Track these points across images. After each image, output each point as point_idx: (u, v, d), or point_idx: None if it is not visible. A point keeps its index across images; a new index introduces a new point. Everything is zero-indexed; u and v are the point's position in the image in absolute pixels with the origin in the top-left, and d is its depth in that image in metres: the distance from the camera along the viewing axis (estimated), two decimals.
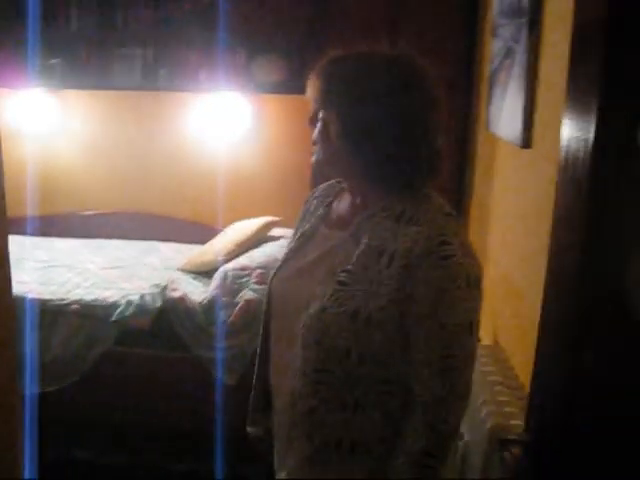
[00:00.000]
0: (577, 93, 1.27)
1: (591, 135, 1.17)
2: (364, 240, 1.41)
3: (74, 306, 3.54)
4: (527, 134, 2.44)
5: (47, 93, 4.52)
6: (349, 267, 1.39)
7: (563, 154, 1.33)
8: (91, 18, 4.15)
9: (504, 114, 2.75)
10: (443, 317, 1.31)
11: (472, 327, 1.34)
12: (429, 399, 1.35)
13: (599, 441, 1.35)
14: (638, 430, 1.29)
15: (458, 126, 3.71)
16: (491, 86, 3.04)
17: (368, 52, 1.44)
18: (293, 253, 1.60)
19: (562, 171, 1.33)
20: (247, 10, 3.83)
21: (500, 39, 2.88)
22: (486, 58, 3.30)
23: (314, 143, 1.48)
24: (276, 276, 1.61)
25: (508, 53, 2.71)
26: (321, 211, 1.61)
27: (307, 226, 1.61)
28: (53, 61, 4.16)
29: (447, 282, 1.30)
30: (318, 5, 3.75)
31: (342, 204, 1.57)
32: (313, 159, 1.50)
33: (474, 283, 1.33)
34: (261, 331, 1.68)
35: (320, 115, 1.45)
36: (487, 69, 3.19)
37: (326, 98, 1.43)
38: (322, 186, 1.70)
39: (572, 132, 1.29)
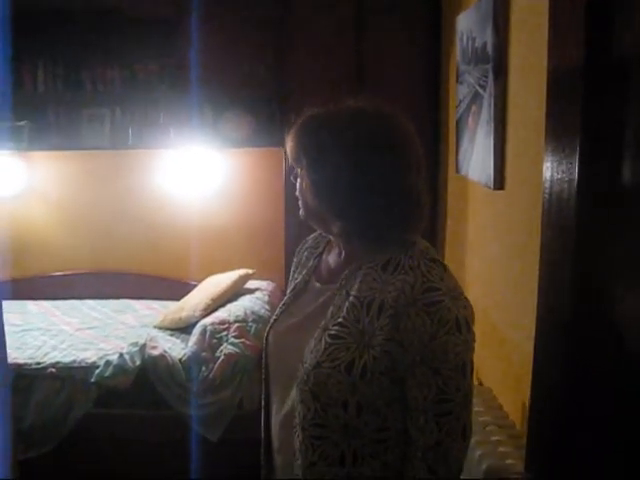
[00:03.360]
0: (556, 136, 1.31)
1: (575, 177, 1.21)
2: (353, 292, 1.42)
3: (51, 369, 3.47)
4: (499, 176, 2.50)
5: (15, 155, 4.50)
6: (340, 320, 1.40)
7: (546, 196, 1.36)
8: (58, 79, 4.16)
9: (475, 157, 2.81)
10: (435, 362, 1.32)
11: (465, 369, 1.35)
12: (427, 444, 1.35)
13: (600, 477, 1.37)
14: (636, 461, 1.31)
15: (427, 170, 3.77)
16: (459, 131, 3.12)
17: (335, 108, 1.46)
18: (287, 307, 1.60)
19: (546, 213, 1.37)
20: (213, 67, 3.89)
21: (465, 85, 2.96)
22: (452, 104, 3.39)
23: (297, 198, 1.51)
24: (272, 330, 1.61)
25: (474, 98, 2.79)
26: (311, 263, 1.62)
27: (299, 279, 1.62)
28: (21, 123, 4.16)
29: (436, 328, 1.30)
30: (283, 59, 3.83)
31: (331, 256, 1.58)
32: (299, 213, 1.52)
33: (464, 326, 1.33)
34: (263, 388, 1.68)
35: (298, 172, 1.49)
36: (453, 114, 3.27)
37: (297, 157, 1.46)
38: (312, 236, 1.71)
39: (553, 174, 1.33)
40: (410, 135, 1.45)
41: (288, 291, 1.66)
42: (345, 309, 1.41)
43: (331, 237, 1.57)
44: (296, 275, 1.67)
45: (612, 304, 1.22)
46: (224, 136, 4.12)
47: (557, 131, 1.31)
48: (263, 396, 1.67)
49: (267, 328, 1.64)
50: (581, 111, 1.19)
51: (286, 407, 1.50)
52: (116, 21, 4.01)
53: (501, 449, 1.97)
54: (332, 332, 1.40)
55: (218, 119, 4.14)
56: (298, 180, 1.49)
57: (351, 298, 1.41)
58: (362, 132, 1.39)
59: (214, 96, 4.05)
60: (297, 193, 1.50)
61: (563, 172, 1.28)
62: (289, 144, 1.48)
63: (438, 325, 1.30)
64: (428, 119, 3.79)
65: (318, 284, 1.56)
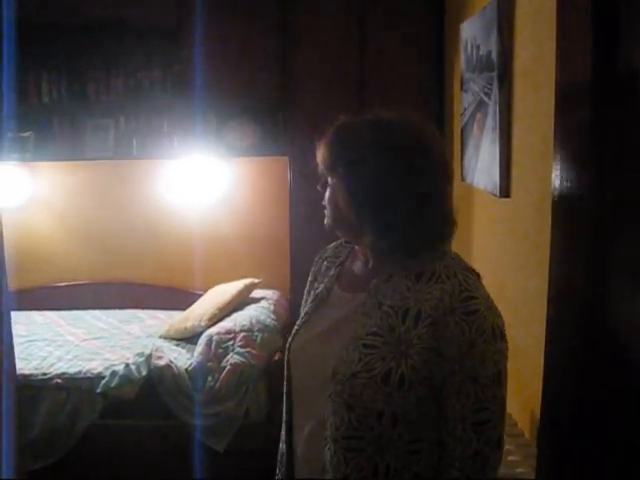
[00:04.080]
0: (566, 144, 1.31)
1: (584, 185, 1.21)
2: (386, 302, 1.41)
3: (57, 380, 3.47)
4: (505, 184, 2.50)
5: (20, 166, 4.51)
6: (374, 329, 1.39)
7: (555, 205, 1.36)
8: (62, 90, 4.17)
9: (480, 165, 2.81)
10: (473, 371, 1.32)
11: (501, 378, 1.35)
12: (465, 453, 1.34)
13: None
14: None
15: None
16: (463, 139, 3.12)
17: (373, 118, 1.44)
18: (309, 317, 1.58)
19: (555, 222, 1.37)
20: (216, 76, 3.89)
21: (470, 93, 2.96)
22: (456, 112, 3.39)
23: (324, 207, 1.51)
24: (294, 342, 1.58)
25: (479, 106, 2.79)
26: (333, 272, 1.61)
27: (320, 288, 1.60)
28: (25, 134, 4.17)
29: (474, 336, 1.31)
30: (286, 68, 3.83)
31: (356, 265, 1.57)
32: (325, 222, 1.52)
33: (500, 335, 1.34)
34: (285, 401, 1.63)
35: (329, 181, 1.48)
36: (458, 122, 3.27)
37: (332, 165, 1.45)
38: (331, 246, 1.71)
39: (563, 182, 1.33)
40: (441, 144, 1.46)
41: (308, 300, 1.64)
42: (379, 318, 1.40)
43: (357, 246, 1.56)
44: (316, 284, 1.65)
45: (624, 313, 1.22)
46: (228, 145, 4.12)
47: (566, 140, 1.31)
48: (285, 409, 1.62)
49: (289, 339, 1.61)
50: (590, 120, 1.18)
51: (312, 420, 1.48)
52: (119, 31, 4.03)
53: (511, 458, 1.96)
54: (366, 342, 1.39)
55: (222, 128, 4.14)
56: (328, 189, 1.49)
57: (385, 307, 1.40)
58: (400, 141, 1.39)
59: (218, 105, 4.05)
60: (325, 202, 1.50)
61: (572, 180, 1.27)
62: (322, 152, 1.47)
63: (476, 334, 1.31)
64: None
65: (343, 292, 1.55)
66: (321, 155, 1.46)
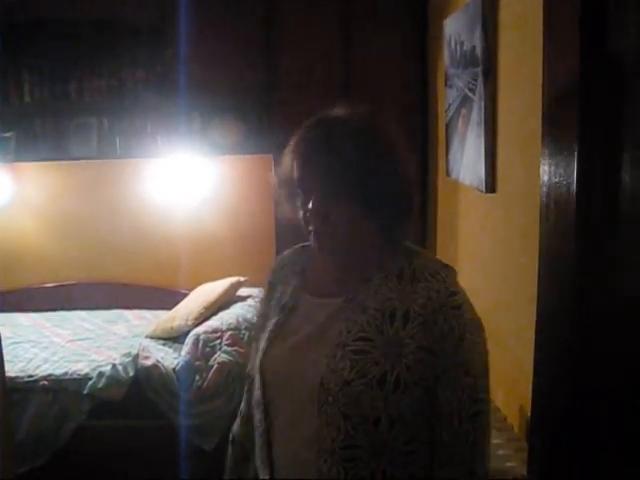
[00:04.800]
0: (554, 139, 1.32)
1: (573, 180, 1.21)
2: (370, 305, 1.38)
3: (43, 382, 3.45)
4: (490, 179, 2.51)
5: (2, 167, 4.47)
6: (361, 334, 1.36)
7: (544, 199, 1.37)
8: (44, 90, 4.14)
9: (465, 161, 2.82)
10: (466, 364, 1.33)
11: (487, 368, 1.38)
12: (464, 446, 1.35)
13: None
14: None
15: (416, 173, 3.79)
16: (448, 134, 3.12)
17: (343, 114, 1.41)
18: (279, 328, 1.50)
19: (544, 217, 1.37)
20: (200, 75, 3.87)
21: (454, 89, 2.97)
22: (440, 107, 3.40)
23: (309, 224, 1.43)
24: (267, 356, 1.49)
25: (464, 101, 2.80)
26: (297, 279, 1.55)
27: (286, 297, 1.53)
28: (7, 134, 4.13)
29: (462, 330, 1.33)
30: (271, 66, 3.83)
31: (322, 269, 1.52)
32: (318, 244, 1.44)
33: (481, 326, 1.38)
34: (258, 416, 1.52)
35: (301, 194, 1.43)
36: (442, 118, 3.28)
37: (336, 174, 1.37)
38: (286, 254, 1.65)
39: (551, 177, 1.33)
40: (401, 142, 1.43)
41: (273, 311, 1.55)
42: (365, 323, 1.37)
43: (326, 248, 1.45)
44: (277, 294, 1.57)
45: (614, 307, 1.22)
46: (212, 143, 4.11)
47: (554, 134, 1.31)
48: (263, 428, 1.50)
49: (259, 354, 1.51)
50: (578, 114, 1.19)
51: (298, 436, 1.42)
52: (102, 30, 3.99)
53: (501, 452, 1.97)
54: (355, 348, 1.36)
55: (206, 126, 4.12)
56: (312, 203, 1.36)
57: (370, 311, 1.38)
58: (381, 136, 1.39)
59: (202, 103, 4.03)
60: (317, 225, 1.37)
61: (561, 175, 1.28)
62: (302, 161, 1.37)
63: (463, 328, 1.33)
64: (416, 123, 3.79)
65: (314, 299, 1.49)
66: (317, 170, 1.36)
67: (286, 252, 1.66)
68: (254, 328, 1.68)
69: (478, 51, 2.54)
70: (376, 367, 1.33)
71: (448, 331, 1.32)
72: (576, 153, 1.21)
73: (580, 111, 1.18)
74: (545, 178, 1.37)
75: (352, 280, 1.44)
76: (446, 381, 1.34)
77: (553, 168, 1.33)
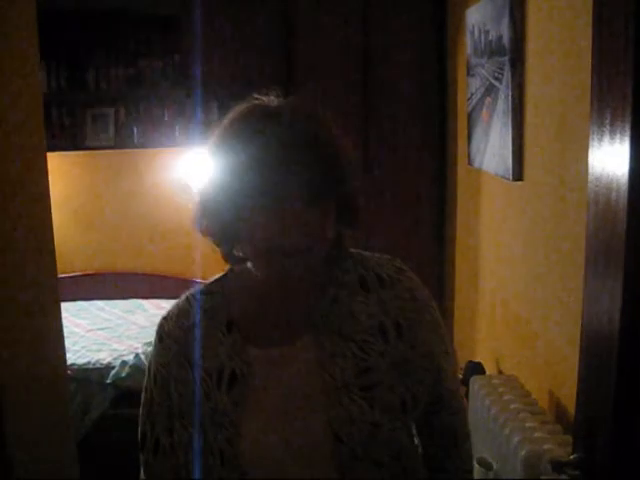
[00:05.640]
0: (603, 122, 1.33)
1: (626, 168, 1.23)
2: (352, 328, 1.18)
3: (66, 371, 3.47)
4: (518, 167, 2.53)
5: None
6: (363, 366, 1.16)
7: (593, 187, 1.38)
8: (61, 80, 4.15)
9: (490, 149, 2.83)
10: (445, 346, 1.30)
11: None
12: (461, 423, 1.36)
13: None
14: None
15: (434, 162, 3.81)
16: (470, 123, 3.14)
17: (275, 107, 1.16)
18: (241, 405, 1.17)
19: (593, 208, 1.38)
20: (217, 64, 3.88)
21: (477, 78, 2.98)
22: (461, 97, 3.41)
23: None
24: (242, 437, 1.15)
25: (489, 90, 2.81)
26: (228, 337, 1.20)
27: (226, 364, 1.18)
28: None
29: (435, 315, 1.27)
30: (288, 54, 3.83)
31: (267, 306, 1.22)
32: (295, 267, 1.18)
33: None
34: None
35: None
36: (463, 107, 3.29)
37: (337, 168, 1.18)
38: (174, 313, 1.27)
39: (603, 164, 1.34)
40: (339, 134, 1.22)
41: (212, 389, 1.19)
42: (357, 350, 1.17)
43: (261, 275, 1.15)
44: (205, 363, 1.20)
45: None
46: None
47: (605, 113, 1.33)
48: None
49: (223, 436, 1.17)
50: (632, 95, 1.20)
51: None
52: (120, 19, 4.01)
53: (536, 435, 2.00)
54: (365, 384, 1.16)
55: (223, 116, 4.12)
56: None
57: (358, 337, 1.17)
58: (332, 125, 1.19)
59: (219, 93, 4.04)
60: (290, 241, 1.07)
61: (613, 161, 1.29)
62: (295, 164, 1.08)
63: (435, 312, 1.28)
64: (434, 112, 3.80)
65: (274, 349, 1.19)
66: (269, 165, 1.07)
67: (170, 311, 1.28)
68: (151, 419, 1.31)
69: (505, 40, 2.55)
70: (393, 394, 1.17)
71: (429, 321, 1.25)
72: (629, 138, 1.22)
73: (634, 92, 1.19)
74: (594, 162, 1.39)
75: (314, 307, 1.20)
76: (444, 372, 1.27)
77: (603, 154, 1.34)
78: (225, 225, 1.14)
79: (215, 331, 1.22)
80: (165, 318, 1.28)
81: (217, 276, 1.32)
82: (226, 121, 1.18)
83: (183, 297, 1.29)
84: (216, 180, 1.14)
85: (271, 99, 1.18)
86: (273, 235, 1.07)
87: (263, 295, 1.22)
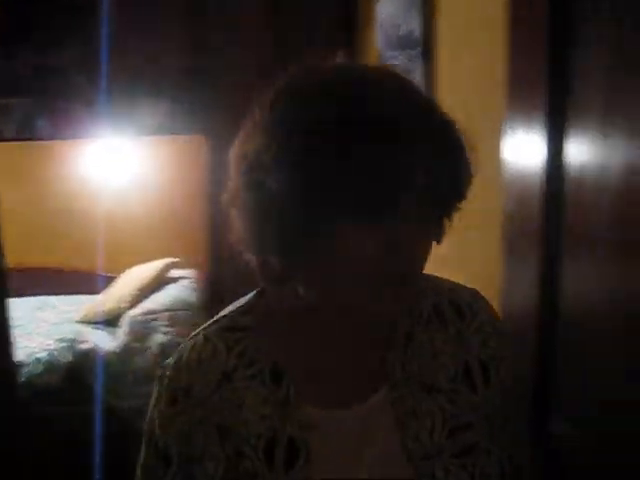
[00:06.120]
0: (517, 113, 1.42)
1: (542, 156, 1.32)
2: (433, 375, 0.92)
3: None
4: None
5: None
6: (454, 422, 0.90)
7: (508, 177, 1.47)
8: None
9: None
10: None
11: None
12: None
13: None
14: None
15: None
16: None
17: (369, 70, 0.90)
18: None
19: (509, 198, 1.47)
20: (127, 55, 3.82)
21: None
22: None
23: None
24: None
25: None
26: (269, 394, 0.89)
27: (282, 429, 0.87)
28: None
29: (510, 348, 1.01)
30: (200, 45, 3.80)
31: (314, 356, 0.91)
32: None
33: None
34: None
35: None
36: None
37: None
38: (196, 361, 0.92)
39: (517, 153, 1.43)
40: None
41: (257, 463, 0.87)
42: (445, 404, 0.91)
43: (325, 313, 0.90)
44: (214, 438, 0.89)
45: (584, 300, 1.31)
46: (140, 124, 4.05)
47: (520, 97, 1.41)
48: None
49: None
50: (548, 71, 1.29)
51: None
52: (29, 6, 3.88)
53: None
54: (460, 449, 0.90)
55: (133, 107, 4.07)
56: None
57: (445, 384, 0.92)
58: None
59: (129, 83, 3.96)
60: (393, 271, 0.80)
61: (528, 148, 1.38)
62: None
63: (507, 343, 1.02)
64: None
65: (339, 411, 0.89)
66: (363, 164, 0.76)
67: (185, 358, 0.92)
68: None
69: (416, 33, 2.63)
70: (489, 459, 0.91)
71: (505, 356, 0.99)
72: (544, 129, 1.31)
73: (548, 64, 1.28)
74: (509, 151, 1.47)
75: (378, 351, 0.92)
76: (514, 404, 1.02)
77: (518, 142, 1.43)
78: (291, 239, 0.80)
79: (256, 384, 0.89)
80: (177, 368, 0.92)
81: (241, 303, 0.96)
82: (292, 88, 0.83)
83: (200, 338, 0.93)
84: (283, 176, 0.78)
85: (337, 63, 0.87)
86: (372, 259, 0.78)
87: (326, 334, 0.91)
